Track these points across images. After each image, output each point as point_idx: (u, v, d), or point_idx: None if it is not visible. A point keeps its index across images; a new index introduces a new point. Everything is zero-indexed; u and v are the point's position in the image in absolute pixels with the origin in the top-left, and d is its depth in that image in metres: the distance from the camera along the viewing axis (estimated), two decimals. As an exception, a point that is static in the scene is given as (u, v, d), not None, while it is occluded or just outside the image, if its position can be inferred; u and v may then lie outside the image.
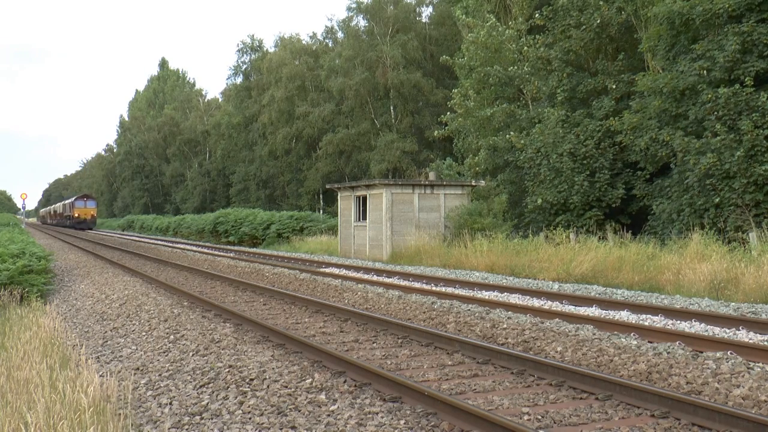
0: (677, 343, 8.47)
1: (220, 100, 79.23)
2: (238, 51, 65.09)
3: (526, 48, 28.83)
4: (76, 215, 76.57)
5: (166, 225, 61.74)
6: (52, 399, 6.04)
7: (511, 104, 29.51)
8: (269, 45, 79.53)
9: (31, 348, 8.66)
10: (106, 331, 11.14)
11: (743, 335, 9.46)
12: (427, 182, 25.98)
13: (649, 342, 8.66)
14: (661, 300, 12.94)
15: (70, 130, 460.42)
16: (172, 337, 10.15)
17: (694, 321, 10.42)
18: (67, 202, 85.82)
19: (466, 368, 7.91)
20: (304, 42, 60.11)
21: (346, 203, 28.58)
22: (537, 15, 28.72)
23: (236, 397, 6.86)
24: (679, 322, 10.49)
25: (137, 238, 52.17)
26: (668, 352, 7.95)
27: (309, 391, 6.94)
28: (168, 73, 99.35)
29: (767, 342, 8.96)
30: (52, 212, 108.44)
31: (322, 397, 6.75)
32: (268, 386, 7.17)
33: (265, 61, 59.30)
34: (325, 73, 50.39)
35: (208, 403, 6.72)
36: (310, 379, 7.33)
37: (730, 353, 7.80)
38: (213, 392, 7.11)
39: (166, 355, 8.97)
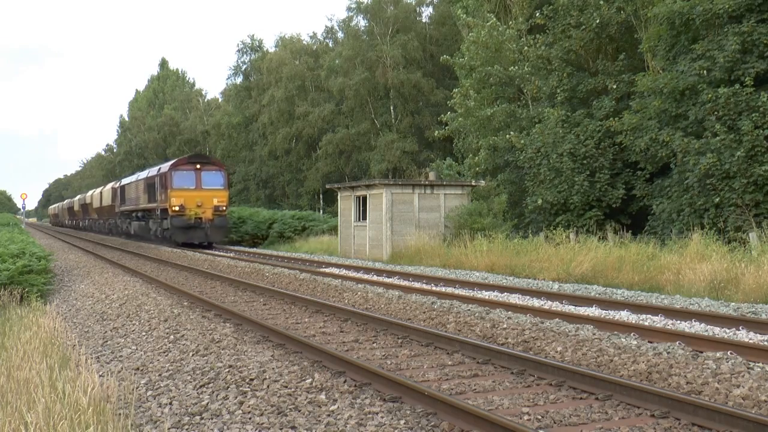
0: (677, 343, 8.47)
1: (220, 100, 79.18)
2: (238, 51, 65.09)
3: (526, 48, 28.83)
4: (176, 208, 32.63)
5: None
6: (52, 399, 6.04)
7: (512, 104, 29.51)
8: (269, 45, 79.58)
9: (31, 348, 8.65)
10: (106, 331, 11.14)
11: (743, 335, 9.45)
12: (427, 182, 25.97)
13: (649, 342, 8.66)
14: (661, 300, 12.93)
15: (71, 130, 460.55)
16: (172, 337, 10.15)
17: (694, 321, 10.42)
18: (144, 176, 38.56)
19: (466, 368, 7.91)
20: (304, 42, 60.11)
21: (346, 203, 28.57)
22: (537, 14, 28.71)
23: (236, 397, 6.86)
24: (679, 322, 10.49)
25: (137, 238, 52.08)
26: (668, 352, 7.95)
27: (309, 391, 6.95)
28: (168, 73, 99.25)
29: (767, 342, 8.96)
30: (78, 208, 67.77)
31: (322, 397, 6.75)
32: (268, 386, 7.17)
33: (265, 61, 59.29)
34: (325, 73, 50.40)
35: (208, 403, 6.73)
36: (310, 379, 7.34)
37: (730, 353, 7.80)
38: (213, 392, 7.11)
39: (166, 355, 8.97)
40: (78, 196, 74.27)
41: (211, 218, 32.78)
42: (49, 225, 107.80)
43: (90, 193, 62.31)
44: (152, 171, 37.81)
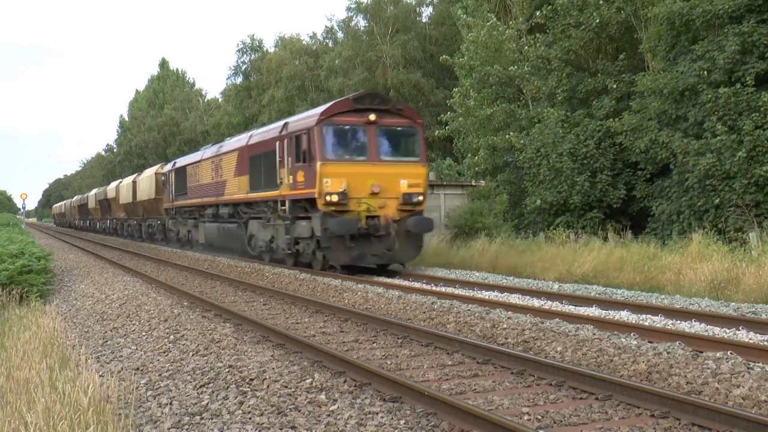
0: (677, 343, 8.46)
1: (220, 100, 79.20)
2: (238, 51, 65.08)
3: (526, 48, 28.83)
4: (333, 197, 16.96)
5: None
6: (52, 399, 6.03)
7: (511, 104, 29.51)
8: (269, 45, 79.52)
9: (31, 348, 8.65)
10: (106, 331, 11.14)
11: (743, 335, 9.45)
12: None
13: (649, 342, 8.66)
14: (661, 300, 12.93)
15: (71, 130, 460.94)
16: (172, 337, 10.15)
17: (694, 321, 10.41)
18: (241, 144, 22.84)
19: (466, 368, 7.91)
20: (304, 42, 60.12)
21: (346, 203, 28.31)
22: (537, 14, 28.71)
23: (236, 397, 6.86)
24: (679, 322, 10.48)
25: (137, 238, 52.02)
26: (668, 352, 7.94)
27: (309, 391, 6.95)
28: (168, 73, 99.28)
29: (767, 342, 8.96)
30: (94, 205, 56.09)
31: (322, 397, 6.75)
32: (268, 386, 7.18)
33: (265, 61, 59.30)
34: (325, 73, 50.40)
35: (208, 403, 6.73)
36: (310, 379, 7.34)
37: (730, 353, 7.80)
38: (213, 392, 7.12)
39: (166, 355, 8.97)
40: (94, 191, 59.78)
41: (396, 217, 17.54)
42: (51, 225, 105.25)
43: (114, 185, 48.39)
44: (265, 132, 21.48)
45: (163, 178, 34.03)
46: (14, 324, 11.03)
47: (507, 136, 27.56)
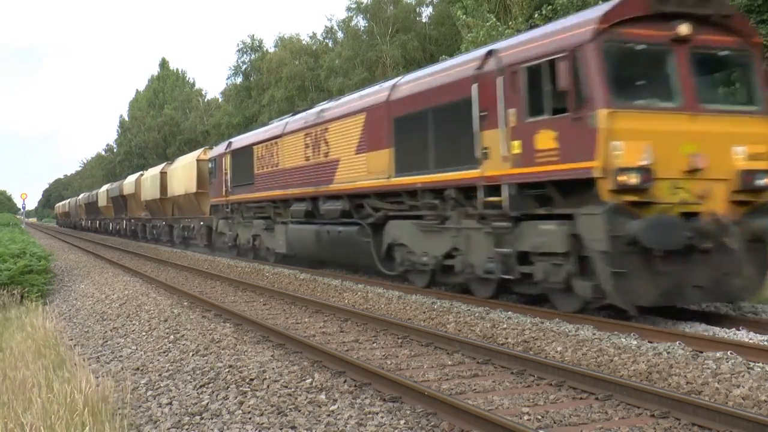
0: (677, 343, 8.45)
1: (220, 100, 79.19)
2: (238, 51, 65.11)
3: (526, 48, 28.81)
4: (632, 179, 8.94)
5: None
6: (48, 399, 6.03)
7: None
8: (269, 45, 79.48)
9: (30, 348, 8.65)
10: (106, 331, 11.14)
11: (743, 335, 9.43)
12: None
13: (649, 342, 8.65)
14: (661, 300, 12.90)
15: (71, 131, 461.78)
16: (172, 337, 10.15)
17: (694, 321, 10.40)
18: (396, 93, 13.95)
19: (466, 368, 7.91)
20: (304, 42, 60.14)
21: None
22: (537, 15, 28.70)
23: (236, 397, 6.86)
24: (679, 322, 10.47)
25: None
26: (668, 352, 7.94)
27: (309, 391, 6.94)
28: (168, 73, 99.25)
29: (767, 342, 8.95)
30: (106, 203, 49.32)
31: (322, 397, 6.75)
32: (268, 386, 7.17)
33: (265, 61, 59.33)
34: (325, 73, 50.41)
35: (208, 403, 6.72)
36: (310, 379, 7.34)
37: (730, 353, 7.78)
38: (213, 392, 7.11)
39: (166, 355, 8.97)
40: (106, 186, 52.33)
41: (731, 215, 9.56)
42: (52, 225, 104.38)
43: (132, 178, 41.61)
44: (433, 73, 13.36)
45: (210, 165, 26.25)
46: (13, 324, 11.05)
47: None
